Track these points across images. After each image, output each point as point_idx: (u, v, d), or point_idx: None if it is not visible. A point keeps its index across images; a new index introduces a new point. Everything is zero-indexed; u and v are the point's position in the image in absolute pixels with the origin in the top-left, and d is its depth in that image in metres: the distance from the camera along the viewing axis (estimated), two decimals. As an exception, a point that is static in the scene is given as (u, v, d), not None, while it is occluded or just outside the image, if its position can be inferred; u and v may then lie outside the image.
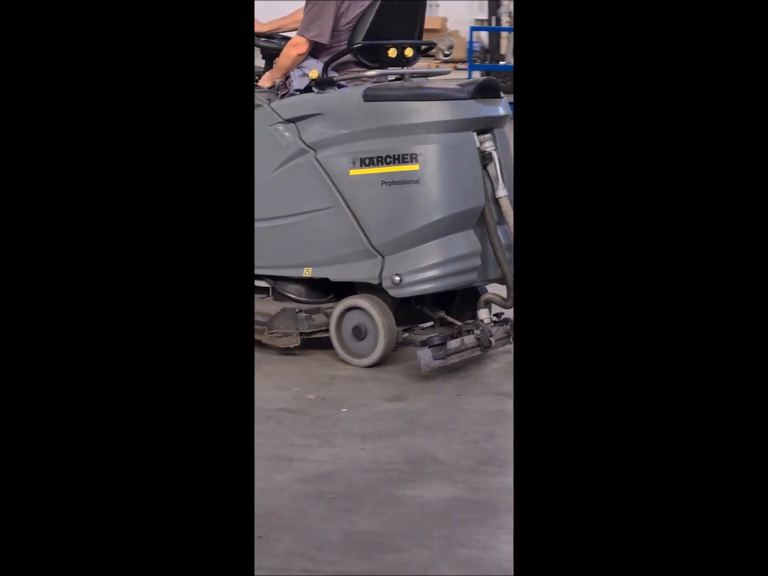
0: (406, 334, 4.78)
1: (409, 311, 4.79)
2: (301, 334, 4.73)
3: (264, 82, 4.95)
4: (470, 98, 4.58)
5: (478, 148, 4.57)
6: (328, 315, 4.78)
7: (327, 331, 4.76)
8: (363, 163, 4.56)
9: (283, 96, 4.83)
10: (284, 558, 2.99)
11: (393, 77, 4.97)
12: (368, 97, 4.58)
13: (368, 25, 4.79)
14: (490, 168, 4.58)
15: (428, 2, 5.23)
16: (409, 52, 4.93)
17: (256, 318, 4.82)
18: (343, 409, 4.18)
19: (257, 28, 5.10)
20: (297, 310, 4.75)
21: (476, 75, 12.78)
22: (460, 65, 16.66)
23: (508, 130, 4.48)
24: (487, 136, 4.60)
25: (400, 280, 4.51)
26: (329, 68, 4.78)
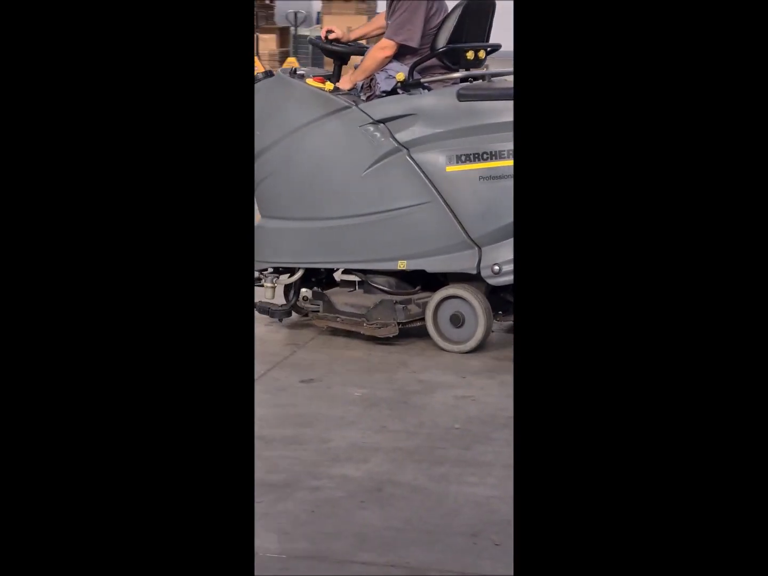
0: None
1: (492, 300, 5.06)
2: (398, 323, 4.98)
3: (344, 84, 5.16)
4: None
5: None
6: (419, 305, 5.03)
7: (421, 320, 5.01)
8: (459, 159, 4.83)
9: (369, 98, 5.06)
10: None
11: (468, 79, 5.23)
12: (463, 97, 4.84)
13: (452, 29, 5.05)
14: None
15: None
16: (482, 54, 5.20)
17: (351, 310, 5.07)
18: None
19: (344, 37, 5.34)
20: (394, 302, 4.99)
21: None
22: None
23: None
24: None
25: (500, 270, 4.78)
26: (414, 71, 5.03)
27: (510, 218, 4.74)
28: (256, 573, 2.35)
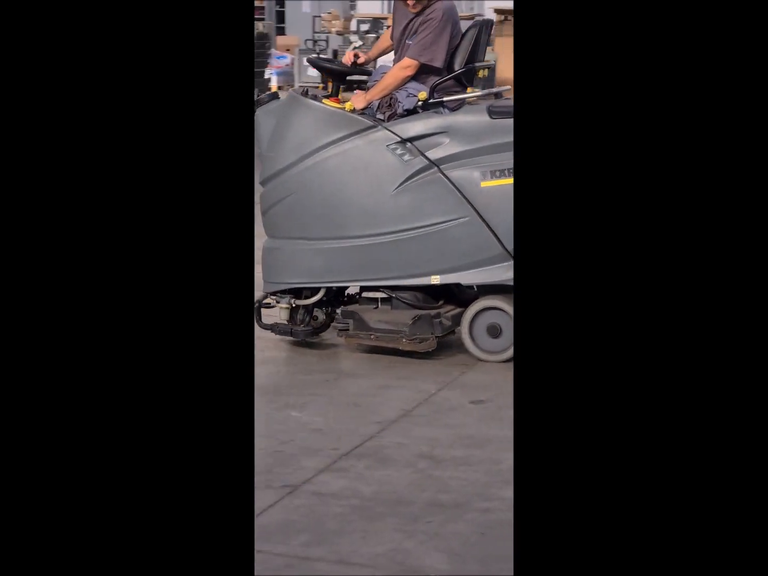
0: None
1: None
2: (436, 337, 5.08)
3: (358, 104, 5.20)
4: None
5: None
6: (448, 318, 5.13)
7: (452, 333, 5.12)
8: (494, 175, 4.97)
9: (390, 117, 5.11)
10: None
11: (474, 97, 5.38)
12: (495, 114, 4.98)
13: (470, 48, 5.18)
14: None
15: None
16: (486, 72, 5.37)
17: (386, 327, 5.12)
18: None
19: (366, 60, 5.41)
20: (431, 316, 5.08)
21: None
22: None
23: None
24: None
25: (537, 279, 4.94)
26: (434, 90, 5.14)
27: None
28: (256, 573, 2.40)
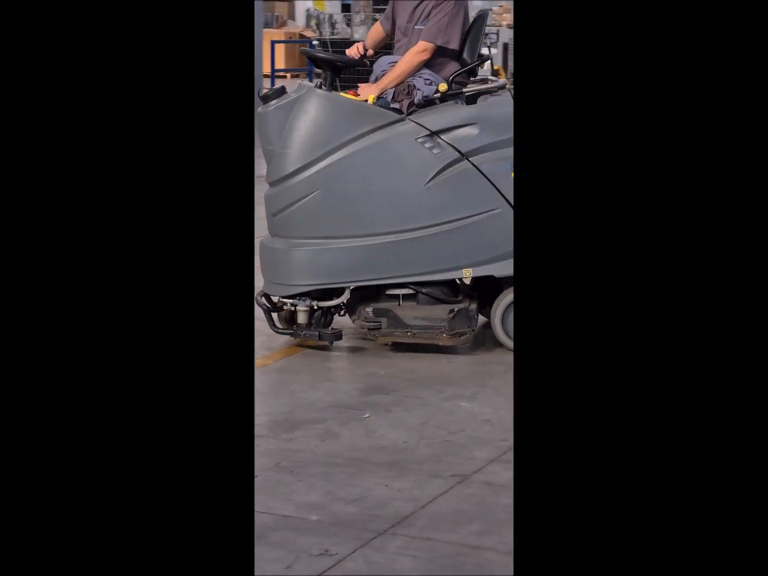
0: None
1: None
2: (472, 330, 5.03)
3: (368, 92, 5.06)
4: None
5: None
6: (474, 311, 5.08)
7: (484, 325, 5.08)
8: (525, 164, 4.94)
9: (409, 105, 5.01)
10: None
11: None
12: (524, 103, 4.96)
13: (480, 38, 5.17)
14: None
15: None
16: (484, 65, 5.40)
17: (423, 323, 5.03)
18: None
19: (370, 53, 5.33)
20: (467, 310, 5.02)
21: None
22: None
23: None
24: None
25: (572, 268, 4.94)
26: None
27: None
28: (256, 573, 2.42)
